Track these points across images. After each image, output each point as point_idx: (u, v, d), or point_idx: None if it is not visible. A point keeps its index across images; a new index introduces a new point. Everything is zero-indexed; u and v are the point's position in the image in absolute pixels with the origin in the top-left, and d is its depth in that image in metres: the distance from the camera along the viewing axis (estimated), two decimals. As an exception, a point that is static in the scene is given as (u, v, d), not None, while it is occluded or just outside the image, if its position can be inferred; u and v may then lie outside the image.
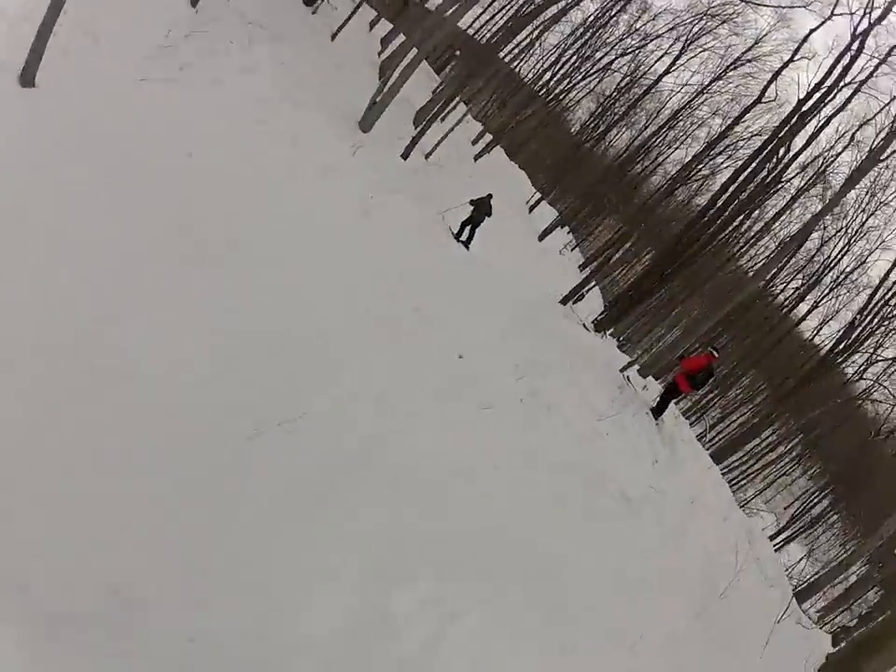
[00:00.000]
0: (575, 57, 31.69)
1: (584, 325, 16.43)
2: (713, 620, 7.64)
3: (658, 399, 12.05)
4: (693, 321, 17.49)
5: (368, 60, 19.93)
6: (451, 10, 15.89)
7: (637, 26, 31.65)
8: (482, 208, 16.78)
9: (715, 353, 12.04)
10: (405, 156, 18.00)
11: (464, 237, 16.49)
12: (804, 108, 17.84)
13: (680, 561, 8.37)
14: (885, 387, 25.27)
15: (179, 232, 8.21)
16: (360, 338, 8.31)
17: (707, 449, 23.95)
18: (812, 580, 15.99)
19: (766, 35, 27.49)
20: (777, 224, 24.80)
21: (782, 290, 30.28)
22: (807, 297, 28.63)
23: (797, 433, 28.10)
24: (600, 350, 13.79)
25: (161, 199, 8.44)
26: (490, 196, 16.98)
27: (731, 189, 18.13)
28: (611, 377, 11.99)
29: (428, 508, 6.71)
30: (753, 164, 18.34)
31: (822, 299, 28.06)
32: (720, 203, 18.28)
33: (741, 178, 18.22)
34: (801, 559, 23.05)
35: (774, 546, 25.59)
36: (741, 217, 21.53)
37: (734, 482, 26.26)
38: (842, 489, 28.28)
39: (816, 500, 28.58)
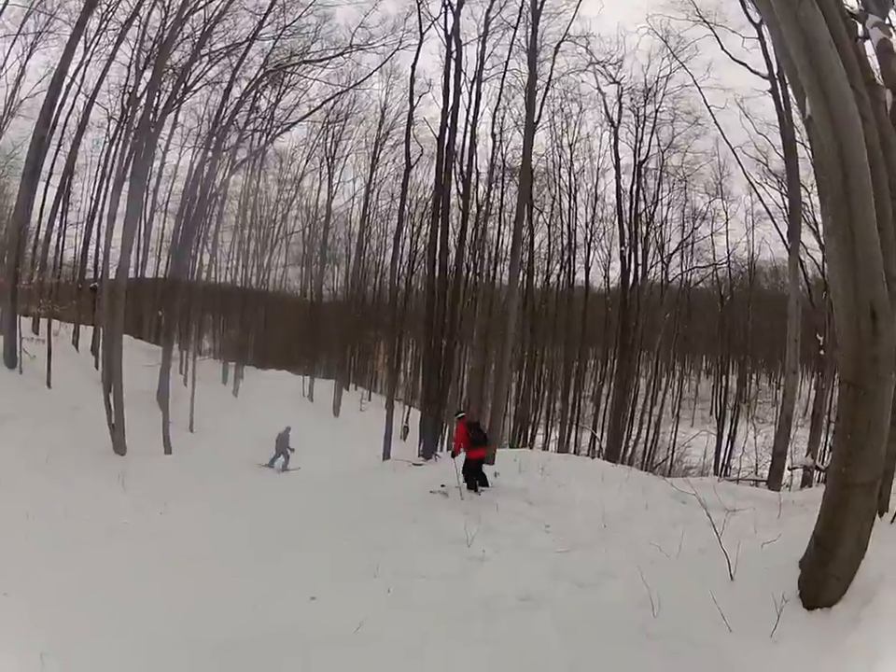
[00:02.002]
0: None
1: (412, 462, 17.14)
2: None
3: (464, 478, 13.23)
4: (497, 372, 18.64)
5: (92, 380, 19.94)
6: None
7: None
8: (282, 443, 19.33)
9: (463, 415, 14.11)
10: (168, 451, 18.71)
11: (278, 464, 19.06)
12: (446, 140, 20.18)
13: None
14: (696, 268, 28.72)
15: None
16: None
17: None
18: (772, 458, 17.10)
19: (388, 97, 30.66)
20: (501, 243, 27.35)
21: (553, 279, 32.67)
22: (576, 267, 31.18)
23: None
24: (425, 483, 14.43)
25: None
26: (288, 429, 19.62)
27: (438, 250, 19.94)
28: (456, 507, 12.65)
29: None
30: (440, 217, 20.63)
31: (590, 255, 30.73)
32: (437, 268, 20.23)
33: (439, 239, 20.25)
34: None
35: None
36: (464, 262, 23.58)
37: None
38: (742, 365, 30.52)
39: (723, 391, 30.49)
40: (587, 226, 30.47)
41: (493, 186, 27.18)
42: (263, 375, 31.10)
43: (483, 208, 26.71)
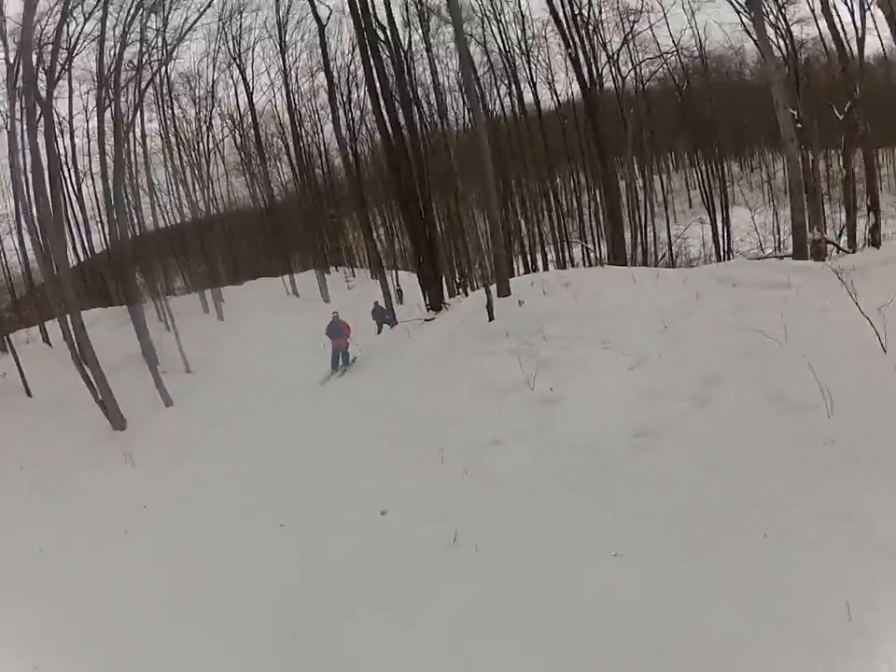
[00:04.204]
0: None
1: (423, 319, 16.08)
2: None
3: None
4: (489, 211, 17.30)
5: (72, 369, 18.54)
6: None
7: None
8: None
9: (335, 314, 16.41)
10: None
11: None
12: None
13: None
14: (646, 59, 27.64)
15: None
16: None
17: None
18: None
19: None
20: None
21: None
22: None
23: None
24: (447, 336, 13.28)
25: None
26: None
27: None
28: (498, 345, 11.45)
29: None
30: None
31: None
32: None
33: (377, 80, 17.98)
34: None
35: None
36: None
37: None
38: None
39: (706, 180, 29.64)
40: (519, 44, 28.88)
41: (411, 28, 25.33)
42: (242, 290, 29.86)
43: (409, 50, 24.84)
